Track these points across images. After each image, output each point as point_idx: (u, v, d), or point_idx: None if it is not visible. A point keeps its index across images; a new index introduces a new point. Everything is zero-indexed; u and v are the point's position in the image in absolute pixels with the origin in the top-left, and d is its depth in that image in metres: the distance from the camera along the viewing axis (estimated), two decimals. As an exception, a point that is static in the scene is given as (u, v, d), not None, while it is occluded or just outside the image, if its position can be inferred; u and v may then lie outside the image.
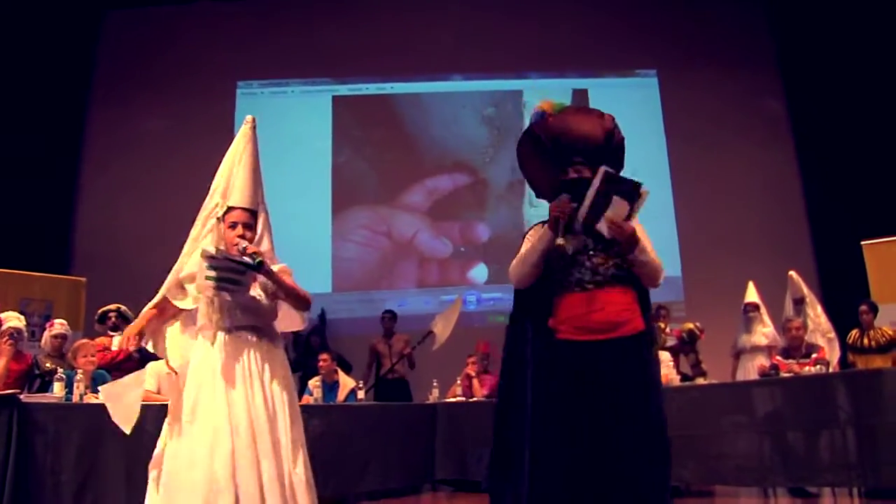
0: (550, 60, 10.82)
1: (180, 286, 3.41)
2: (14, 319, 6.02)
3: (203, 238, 3.43)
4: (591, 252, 3.26)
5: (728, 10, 11.48)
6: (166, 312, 3.46)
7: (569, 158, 3.34)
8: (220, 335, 3.29)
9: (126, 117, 10.64)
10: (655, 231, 3.48)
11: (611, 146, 3.40)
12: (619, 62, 11.29)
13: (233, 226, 3.39)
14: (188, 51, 11.10)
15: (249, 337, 3.33)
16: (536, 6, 11.27)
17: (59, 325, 6.47)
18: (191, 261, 3.40)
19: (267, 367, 3.32)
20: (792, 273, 8.10)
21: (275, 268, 3.38)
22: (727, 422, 6.04)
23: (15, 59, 9.71)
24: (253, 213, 3.45)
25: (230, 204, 3.44)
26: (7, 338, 5.77)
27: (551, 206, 3.30)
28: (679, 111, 11.08)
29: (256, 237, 3.43)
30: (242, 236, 3.36)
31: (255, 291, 3.37)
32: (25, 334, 6.20)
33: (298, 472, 3.23)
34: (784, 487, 6.19)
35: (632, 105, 10.62)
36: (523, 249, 3.39)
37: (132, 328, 3.37)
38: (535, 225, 3.46)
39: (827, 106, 10.16)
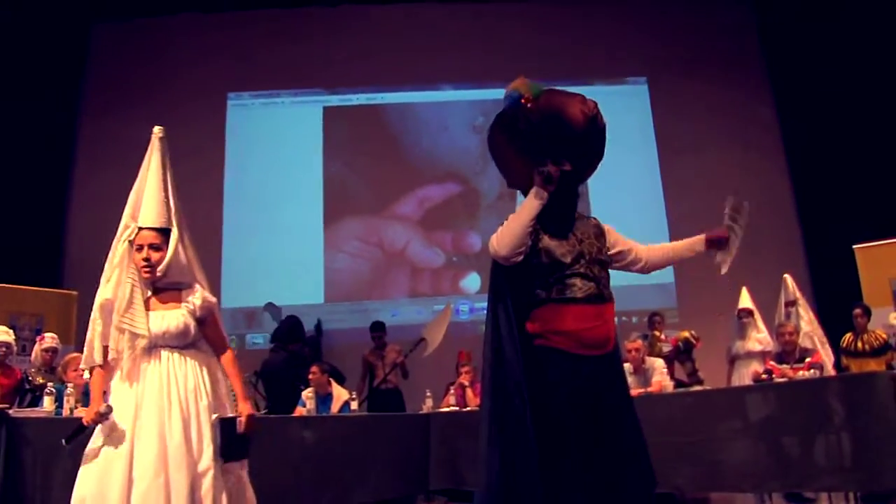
0: (540, 68, 10.78)
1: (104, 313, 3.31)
2: (3, 334, 5.99)
3: (115, 264, 3.34)
4: (586, 259, 3.14)
5: (717, 17, 11.52)
6: (109, 365, 3.33)
7: (548, 148, 3.13)
8: (139, 363, 3.23)
9: (116, 130, 10.57)
10: (648, 237, 3.48)
11: (594, 132, 3.18)
12: (609, 70, 11.31)
13: (139, 248, 3.30)
14: (178, 62, 11.09)
15: (167, 355, 3.26)
16: (525, 15, 11.30)
17: (49, 339, 6.45)
18: (106, 288, 3.33)
19: (190, 382, 3.25)
20: (786, 276, 8.11)
21: (202, 295, 3.38)
22: (722, 428, 6.01)
23: (3, 74, 9.67)
24: (162, 232, 3.34)
25: (139, 225, 3.34)
26: None
27: (543, 169, 3.11)
28: (669, 118, 11.10)
29: (167, 256, 3.31)
30: (147, 259, 3.27)
31: (180, 312, 3.32)
32: (15, 348, 6.17)
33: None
34: (780, 493, 6.16)
35: (622, 113, 10.64)
36: (511, 216, 3.19)
37: (93, 405, 3.22)
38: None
39: (817, 110, 10.20)
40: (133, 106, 10.62)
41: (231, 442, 3.18)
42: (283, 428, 6.08)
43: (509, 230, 3.13)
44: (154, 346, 3.24)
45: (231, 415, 3.28)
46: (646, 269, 3.42)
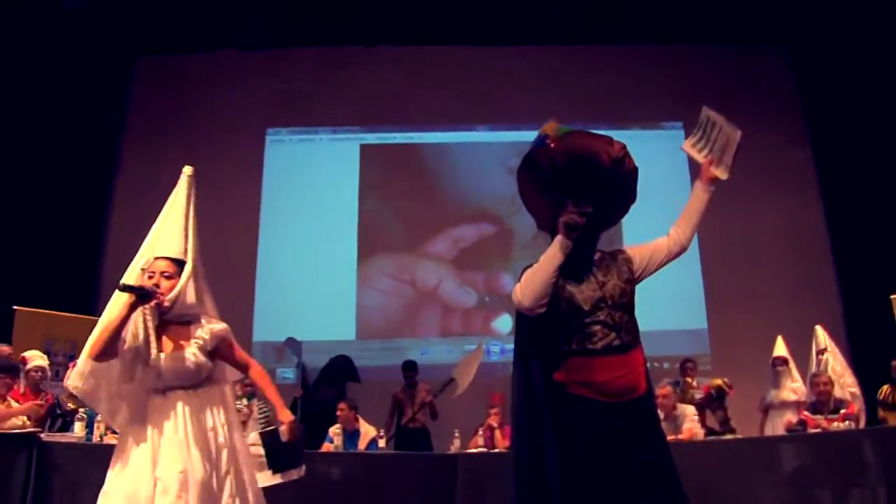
0: (575, 112, 10.83)
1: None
2: (38, 359, 6.05)
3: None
4: (608, 304, 3.12)
5: (753, 60, 11.51)
6: None
7: (569, 189, 3.09)
8: (152, 398, 3.21)
9: (156, 162, 10.74)
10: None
11: (618, 175, 3.16)
12: (644, 114, 11.31)
13: (150, 276, 3.27)
14: (218, 98, 11.28)
15: (182, 395, 3.22)
16: (560, 59, 11.37)
17: (82, 365, 6.48)
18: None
19: (208, 421, 3.23)
20: (817, 327, 8.00)
21: (210, 327, 3.34)
22: (754, 479, 5.91)
23: (48, 104, 9.87)
24: (176, 262, 3.33)
25: (155, 255, 3.34)
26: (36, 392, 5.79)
27: (564, 216, 3.09)
28: (705, 163, 11.02)
29: (178, 286, 3.28)
30: (157, 285, 3.24)
31: (192, 350, 3.27)
32: (49, 373, 6.22)
33: None
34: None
35: (658, 157, 10.54)
36: (535, 265, 3.16)
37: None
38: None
39: (854, 156, 10.10)
40: (172, 139, 10.81)
41: (278, 452, 3.20)
42: (309, 464, 6.05)
43: (532, 281, 3.11)
44: (168, 386, 3.22)
45: (270, 427, 3.28)
46: (682, 248, 3.36)
